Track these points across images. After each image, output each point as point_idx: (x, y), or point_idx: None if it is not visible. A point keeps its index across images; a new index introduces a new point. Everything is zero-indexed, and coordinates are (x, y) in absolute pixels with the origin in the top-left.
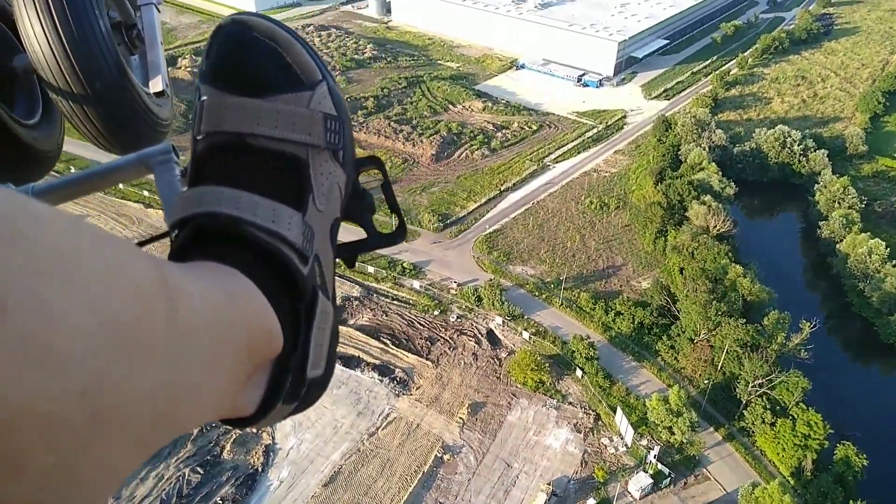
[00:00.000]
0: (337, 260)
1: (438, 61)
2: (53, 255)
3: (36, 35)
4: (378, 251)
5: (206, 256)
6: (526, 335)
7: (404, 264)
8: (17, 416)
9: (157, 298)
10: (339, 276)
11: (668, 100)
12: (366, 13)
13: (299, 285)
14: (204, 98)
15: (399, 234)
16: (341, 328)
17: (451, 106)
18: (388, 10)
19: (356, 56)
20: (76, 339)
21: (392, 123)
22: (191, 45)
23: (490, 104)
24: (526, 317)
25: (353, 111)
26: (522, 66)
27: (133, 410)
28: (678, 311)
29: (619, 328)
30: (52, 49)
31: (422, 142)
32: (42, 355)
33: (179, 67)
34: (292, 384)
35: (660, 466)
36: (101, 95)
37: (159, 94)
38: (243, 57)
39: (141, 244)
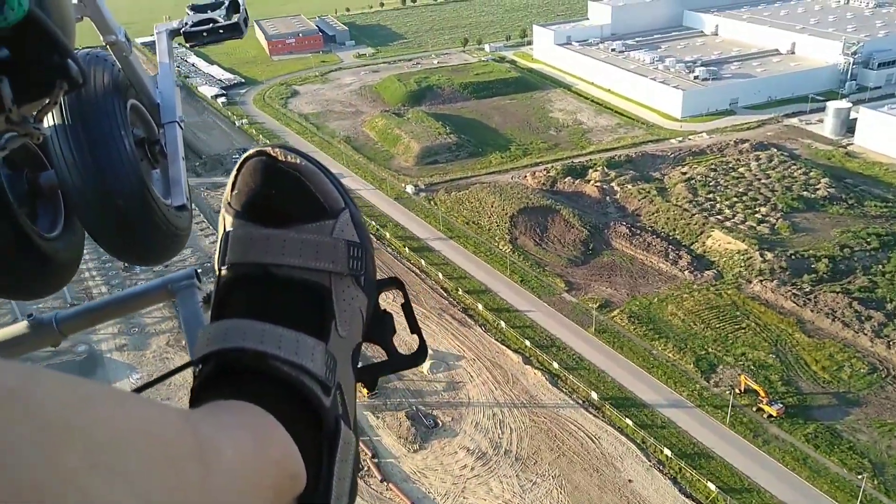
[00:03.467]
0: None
1: None
2: (103, 448)
3: (63, 153)
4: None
5: (230, 391)
6: None
7: None
8: None
9: (192, 467)
10: None
11: None
12: (817, 130)
13: (322, 418)
14: (229, 229)
15: (420, 355)
16: None
17: None
18: (849, 130)
19: (804, 192)
20: None
21: (854, 304)
22: (604, 152)
23: None
24: None
25: (798, 274)
26: None
27: None
28: None
29: None
30: (78, 167)
31: None
32: None
33: (589, 180)
34: None
35: None
36: (123, 211)
37: (180, 208)
38: (268, 188)
39: (163, 378)
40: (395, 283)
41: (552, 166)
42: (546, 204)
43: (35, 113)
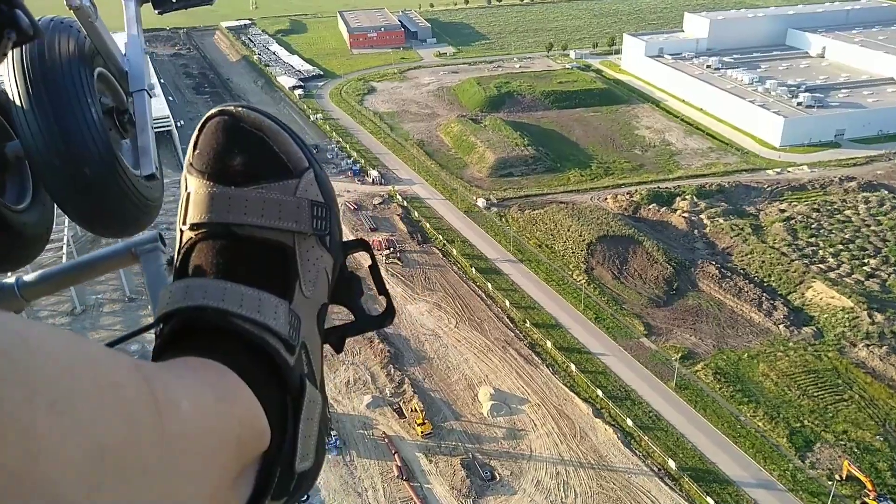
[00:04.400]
0: (325, 345)
1: None
2: (44, 383)
3: (28, 122)
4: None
5: (192, 350)
6: None
7: None
8: None
9: (145, 414)
10: None
11: None
12: None
13: (286, 376)
14: (191, 189)
15: (387, 316)
16: None
17: None
18: None
19: None
20: (64, 469)
21: None
22: (694, 179)
23: None
24: None
25: None
26: None
27: None
28: None
29: None
30: (44, 136)
31: None
32: (28, 489)
33: (675, 209)
34: (281, 479)
35: None
36: (91, 180)
37: (149, 178)
38: (230, 147)
39: (126, 338)
40: (361, 244)
41: (636, 190)
42: (628, 233)
43: None
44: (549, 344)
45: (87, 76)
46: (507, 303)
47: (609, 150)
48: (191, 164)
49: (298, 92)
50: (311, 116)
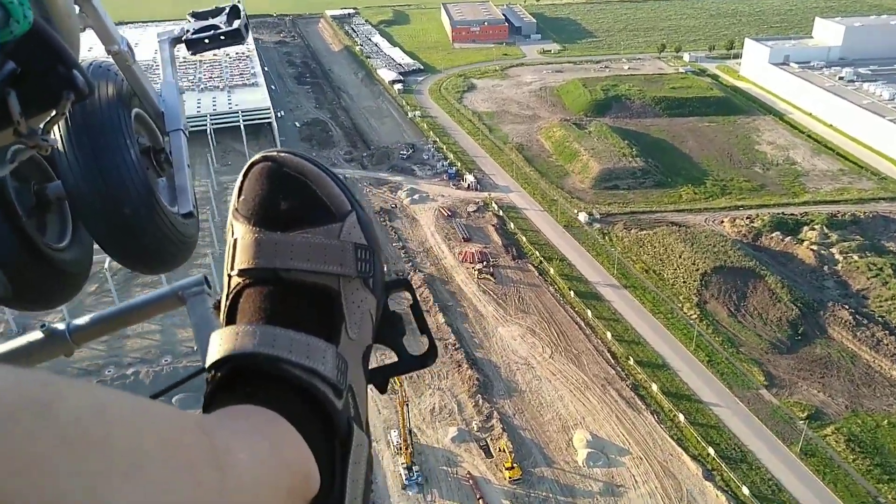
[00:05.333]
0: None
1: None
2: (122, 455)
3: (69, 163)
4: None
5: (243, 396)
6: None
7: None
8: None
9: (208, 471)
10: None
11: None
12: None
13: (334, 421)
14: (237, 235)
15: (430, 356)
16: None
17: None
18: None
19: None
20: None
21: None
22: (823, 205)
23: None
24: None
25: None
26: None
27: None
28: None
29: None
30: (84, 177)
31: None
32: None
33: (802, 240)
34: None
35: None
36: (130, 219)
37: (187, 215)
38: (274, 193)
39: (177, 384)
40: (403, 283)
41: (757, 214)
42: (748, 265)
43: (43, 125)
44: (654, 387)
45: (126, 118)
46: (609, 335)
47: (726, 165)
48: (236, 210)
49: (398, 87)
50: (408, 113)
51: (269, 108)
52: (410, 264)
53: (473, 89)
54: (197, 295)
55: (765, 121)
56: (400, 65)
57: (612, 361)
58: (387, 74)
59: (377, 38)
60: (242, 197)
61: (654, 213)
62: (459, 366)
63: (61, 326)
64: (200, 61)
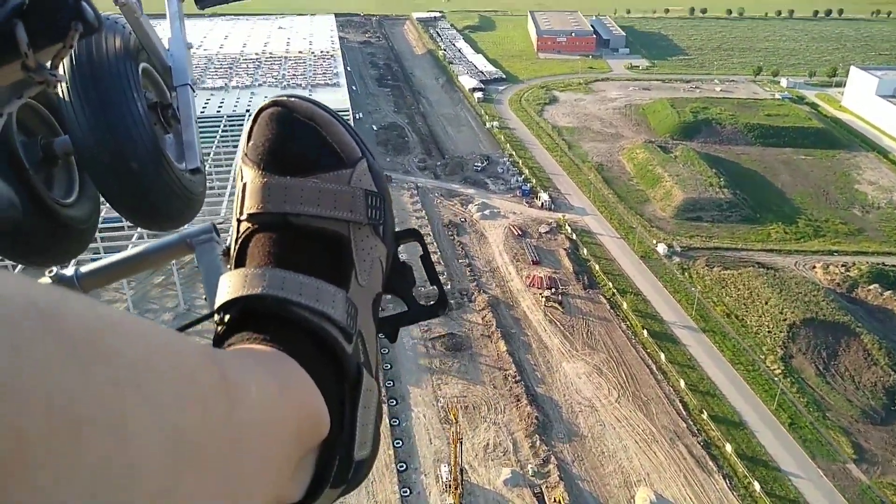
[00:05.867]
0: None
1: None
2: (131, 368)
3: (77, 118)
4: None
5: (253, 338)
6: None
7: None
8: None
9: (218, 401)
10: None
11: None
12: None
13: (344, 364)
14: (246, 179)
15: (440, 306)
16: None
17: None
18: None
19: None
20: (149, 456)
21: None
22: None
23: None
24: None
25: None
26: None
27: None
28: None
29: None
30: (92, 131)
31: None
32: (116, 477)
33: None
34: (339, 467)
35: None
36: (137, 174)
37: (194, 171)
38: (284, 138)
39: (188, 326)
40: (413, 234)
41: (853, 262)
42: (842, 320)
43: (51, 59)
44: (728, 447)
45: (133, 72)
46: (682, 382)
47: (821, 204)
48: (245, 155)
49: (478, 95)
50: (486, 123)
51: (348, 111)
52: (475, 283)
53: (555, 102)
54: (206, 242)
55: (867, 158)
56: (482, 72)
57: (684, 413)
58: (468, 82)
59: (461, 44)
60: (252, 142)
61: (740, 250)
62: (518, 400)
63: (69, 272)
64: (286, 58)
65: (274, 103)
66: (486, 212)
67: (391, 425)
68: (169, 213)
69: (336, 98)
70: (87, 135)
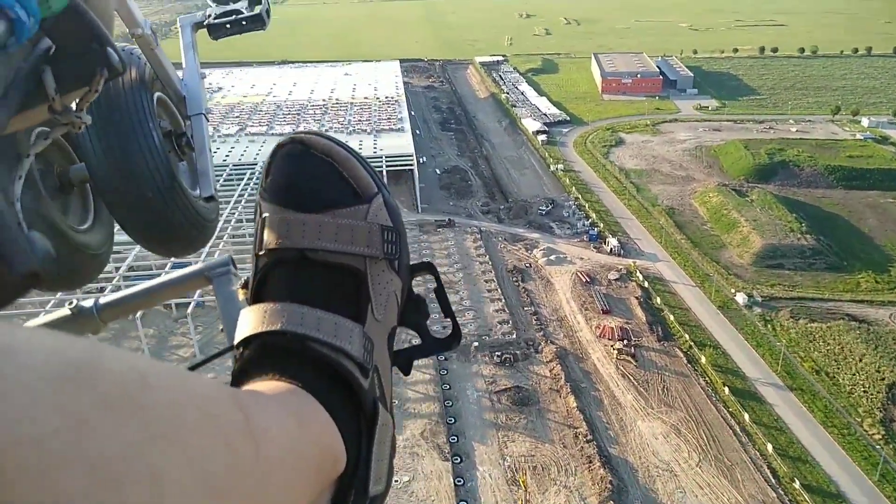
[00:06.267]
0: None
1: None
2: (164, 421)
3: (93, 146)
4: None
5: (271, 375)
6: None
7: None
8: None
9: (245, 443)
10: None
11: None
12: None
13: (361, 400)
14: (265, 215)
15: (454, 339)
16: None
17: None
18: None
19: None
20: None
21: None
22: None
23: None
24: None
25: None
26: None
27: None
28: None
29: None
30: (107, 159)
31: None
32: None
33: None
34: (355, 503)
35: None
36: (152, 202)
37: (208, 199)
38: (302, 174)
39: (206, 361)
40: (427, 267)
41: None
42: None
43: (77, 102)
44: None
45: (148, 101)
46: (770, 447)
47: None
48: (264, 191)
49: (542, 137)
50: (551, 166)
51: (412, 155)
52: (542, 333)
53: (621, 144)
54: (223, 275)
55: None
56: (545, 115)
57: (773, 481)
58: (531, 124)
59: (524, 87)
60: (270, 178)
61: (827, 300)
62: (590, 462)
63: (89, 304)
64: (351, 104)
65: (291, 140)
66: (552, 257)
67: (455, 485)
68: (182, 240)
69: (400, 143)
70: (103, 163)
